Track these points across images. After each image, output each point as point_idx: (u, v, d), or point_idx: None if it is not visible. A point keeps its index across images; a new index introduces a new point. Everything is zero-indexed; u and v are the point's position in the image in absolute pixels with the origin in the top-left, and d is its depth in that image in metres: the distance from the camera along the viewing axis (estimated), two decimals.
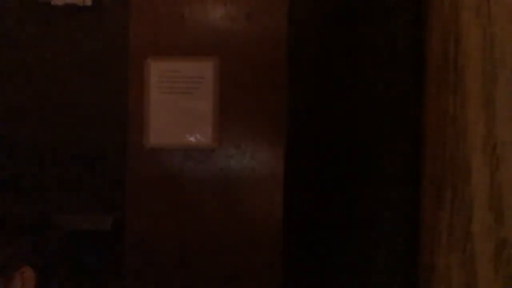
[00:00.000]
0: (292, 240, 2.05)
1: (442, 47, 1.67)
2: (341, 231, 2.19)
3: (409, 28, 2.16)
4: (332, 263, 2.19)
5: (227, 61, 1.87)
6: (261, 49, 1.86)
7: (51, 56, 2.29)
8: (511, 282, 0.95)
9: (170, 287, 1.89)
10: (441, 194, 1.59)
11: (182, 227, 1.88)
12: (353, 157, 2.19)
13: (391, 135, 2.17)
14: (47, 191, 2.26)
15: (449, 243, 1.47)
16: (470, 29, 1.30)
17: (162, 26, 1.89)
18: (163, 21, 1.89)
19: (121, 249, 1.92)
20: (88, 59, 2.28)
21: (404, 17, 2.16)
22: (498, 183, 1.03)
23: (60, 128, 2.28)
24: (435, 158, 1.75)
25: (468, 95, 1.30)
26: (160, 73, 1.89)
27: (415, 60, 2.13)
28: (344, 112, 2.20)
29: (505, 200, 0.99)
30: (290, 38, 1.86)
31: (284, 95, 1.85)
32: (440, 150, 1.65)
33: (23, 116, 2.29)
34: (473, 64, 1.27)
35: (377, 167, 2.18)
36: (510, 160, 0.98)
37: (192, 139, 1.88)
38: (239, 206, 1.86)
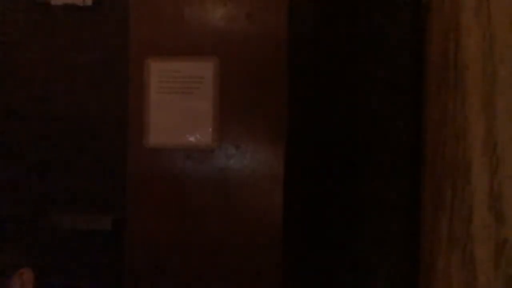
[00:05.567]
0: (292, 240, 2.05)
1: (442, 47, 1.67)
2: (341, 231, 2.19)
3: (409, 27, 2.16)
4: (331, 263, 2.19)
5: (227, 61, 1.86)
6: (261, 49, 1.86)
7: (51, 56, 2.29)
8: (511, 282, 0.95)
9: (170, 287, 1.89)
10: (441, 194, 1.59)
11: (182, 227, 1.88)
12: (353, 157, 2.19)
13: (391, 135, 2.17)
14: (47, 191, 2.26)
15: (449, 243, 1.47)
16: (470, 29, 1.30)
17: (162, 26, 1.89)
18: (163, 21, 1.89)
19: (121, 249, 1.92)
20: (88, 59, 2.28)
21: (404, 17, 2.17)
22: (498, 183, 1.03)
23: (60, 128, 2.28)
24: (435, 158, 1.74)
25: (468, 95, 1.29)
26: (160, 73, 1.89)
27: (415, 60, 2.13)
28: (344, 111, 2.20)
29: (505, 200, 0.99)
30: (290, 38, 1.86)
31: (284, 95, 1.85)
32: (440, 150, 1.64)
33: (23, 116, 2.29)
34: (473, 64, 1.27)
35: (377, 166, 2.18)
36: (510, 160, 0.97)
37: (192, 139, 1.88)
38: (239, 206, 1.86)
